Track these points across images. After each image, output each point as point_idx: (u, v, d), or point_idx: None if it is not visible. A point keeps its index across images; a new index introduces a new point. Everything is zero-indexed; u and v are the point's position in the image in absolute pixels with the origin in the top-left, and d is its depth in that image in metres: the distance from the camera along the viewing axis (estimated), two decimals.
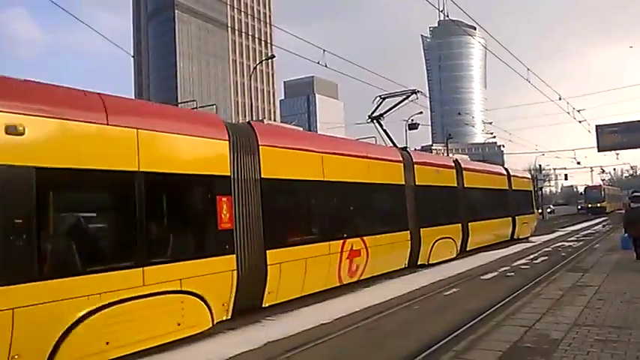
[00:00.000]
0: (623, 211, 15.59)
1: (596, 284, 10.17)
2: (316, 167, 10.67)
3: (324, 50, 14.21)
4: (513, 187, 23.55)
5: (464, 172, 18.14)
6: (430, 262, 14.91)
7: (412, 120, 39.34)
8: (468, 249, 17.82)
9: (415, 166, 14.87)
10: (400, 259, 13.65)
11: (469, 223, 17.73)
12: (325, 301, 10.15)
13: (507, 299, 9.55)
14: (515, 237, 23.11)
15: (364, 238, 11.74)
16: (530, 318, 7.52)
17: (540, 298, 9.21)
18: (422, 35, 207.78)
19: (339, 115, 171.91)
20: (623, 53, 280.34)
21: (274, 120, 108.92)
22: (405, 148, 15.61)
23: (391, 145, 15.99)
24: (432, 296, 10.58)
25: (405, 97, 16.88)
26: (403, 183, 14.14)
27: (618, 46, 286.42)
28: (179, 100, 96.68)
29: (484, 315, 8.30)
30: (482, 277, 13.03)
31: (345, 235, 11.15)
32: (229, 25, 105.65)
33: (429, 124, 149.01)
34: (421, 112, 40.28)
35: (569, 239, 24.96)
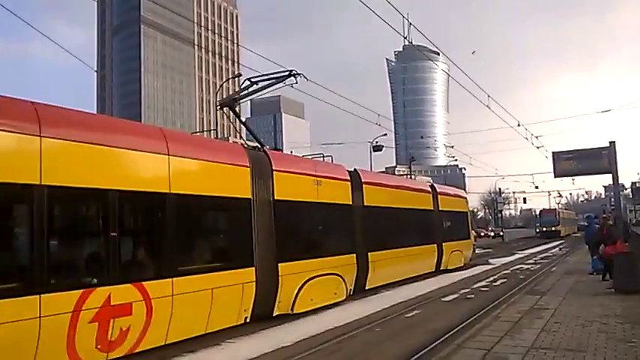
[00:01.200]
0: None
1: (553, 307, 10.39)
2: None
3: (289, 71, 14.28)
4: (441, 208, 19.77)
5: (364, 186, 14.12)
6: (295, 312, 10.75)
7: (377, 142, 40.00)
8: (368, 287, 13.96)
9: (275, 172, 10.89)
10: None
11: (369, 253, 13.92)
12: (283, 324, 10.06)
13: (468, 321, 9.67)
14: (442, 267, 19.39)
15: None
16: (490, 340, 7.61)
17: (499, 320, 9.34)
18: (387, 59, 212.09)
19: (305, 134, 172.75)
20: (578, 83, 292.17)
21: (240, 138, 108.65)
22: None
23: (257, 144, 12.49)
24: (394, 318, 10.62)
25: (278, 79, 12.80)
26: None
27: (573, 75, 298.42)
28: (142, 116, 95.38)
29: (445, 337, 8.37)
30: (443, 299, 13.16)
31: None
32: (196, 41, 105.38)
33: (394, 146, 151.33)
34: (385, 135, 41.09)
35: (527, 262, 25.54)
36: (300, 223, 11.77)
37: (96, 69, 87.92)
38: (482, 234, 65.83)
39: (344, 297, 12.37)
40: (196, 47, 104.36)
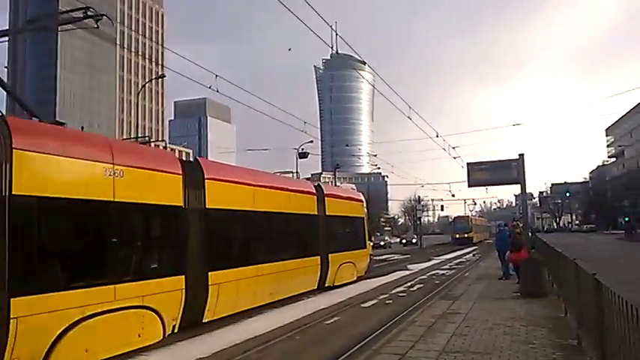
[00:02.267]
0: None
1: (464, 312, 10.93)
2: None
3: (216, 75, 14.12)
4: (328, 212, 16.62)
5: (206, 182, 10.61)
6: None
7: (302, 149, 40.29)
8: (209, 318, 10.44)
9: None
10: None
11: (210, 273, 10.37)
12: (201, 335, 9.90)
13: (385, 327, 9.98)
14: (328, 284, 16.37)
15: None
16: (405, 345, 7.88)
17: (415, 325, 9.69)
18: (315, 66, 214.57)
19: (231, 139, 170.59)
20: (493, 96, 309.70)
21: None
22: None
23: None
24: (314, 326, 10.72)
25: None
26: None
27: (489, 91, 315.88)
28: (58, 115, 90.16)
29: (362, 343, 8.58)
30: (362, 305, 13.46)
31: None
32: (118, 39, 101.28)
33: (320, 153, 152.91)
34: (312, 141, 41.46)
35: (442, 267, 26.66)
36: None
37: (6, 65, 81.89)
38: (405, 240, 67.99)
39: (159, 338, 8.87)
40: (118, 45, 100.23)
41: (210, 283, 10.36)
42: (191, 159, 16.27)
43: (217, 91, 14.24)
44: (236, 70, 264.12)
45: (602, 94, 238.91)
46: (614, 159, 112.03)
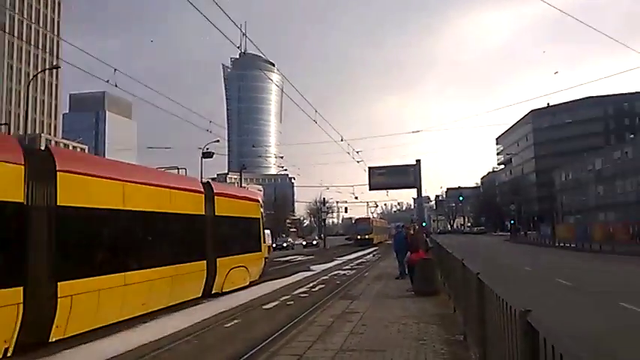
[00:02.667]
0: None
1: (362, 311, 11.24)
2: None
3: (115, 69, 13.42)
4: (218, 213, 15.19)
5: (59, 175, 9.15)
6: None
7: (207, 148, 39.43)
8: (61, 336, 8.97)
9: None
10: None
11: (60, 283, 8.87)
12: (96, 340, 9.33)
13: (285, 328, 10.00)
14: (216, 290, 15.08)
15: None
16: (303, 346, 7.94)
17: (314, 325, 9.80)
18: (223, 65, 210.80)
19: (131, 136, 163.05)
20: (396, 105, 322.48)
21: (55, 135, 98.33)
22: None
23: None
24: (213, 329, 10.50)
25: None
26: None
27: (392, 98, 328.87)
28: None
29: (262, 345, 8.53)
30: (263, 307, 13.40)
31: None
32: (8, 25, 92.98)
33: (226, 153, 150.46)
34: (218, 141, 40.70)
35: (344, 268, 27.28)
36: None
37: None
38: (305, 242, 68.45)
39: None
40: (7, 32, 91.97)
41: (59, 296, 8.78)
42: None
43: (116, 86, 13.54)
44: (143, 64, 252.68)
45: (494, 106, 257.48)
46: (502, 166, 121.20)
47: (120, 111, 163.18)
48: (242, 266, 16.79)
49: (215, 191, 15.59)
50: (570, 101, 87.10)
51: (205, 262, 14.37)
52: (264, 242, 19.88)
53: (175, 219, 13.08)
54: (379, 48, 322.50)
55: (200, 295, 14.20)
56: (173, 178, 14.48)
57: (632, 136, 65.02)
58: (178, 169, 15.92)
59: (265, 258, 20.05)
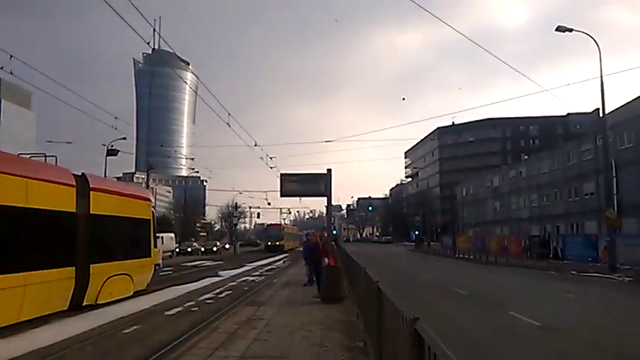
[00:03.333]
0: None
1: (268, 317, 11.26)
2: None
3: (10, 55, 12.50)
4: (94, 211, 13.39)
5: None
6: None
7: (112, 145, 37.64)
8: None
9: None
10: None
11: None
12: None
13: (187, 335, 9.76)
14: (89, 302, 13.12)
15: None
16: (204, 353, 7.81)
17: (217, 332, 9.68)
18: (134, 59, 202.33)
19: (30, 128, 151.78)
20: (314, 115, 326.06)
21: None
22: None
23: None
24: (111, 335, 10.05)
25: None
26: None
27: (311, 105, 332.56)
28: None
29: (161, 352, 8.29)
30: (166, 313, 13.00)
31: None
32: None
33: (134, 151, 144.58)
34: (124, 138, 38.97)
35: (253, 274, 27.12)
36: None
37: None
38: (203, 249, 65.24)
39: None
40: None
41: None
42: None
43: (11, 73, 12.62)
44: (49, 52, 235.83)
45: (404, 121, 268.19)
46: (410, 179, 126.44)
47: (18, 100, 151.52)
48: (124, 274, 14.86)
49: (92, 185, 13.47)
50: (473, 121, 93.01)
51: (74, 268, 12.39)
52: (156, 247, 17.76)
53: (31, 216, 10.91)
54: (299, 57, 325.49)
55: (66, 307, 12.14)
56: (33, 166, 11.72)
57: (526, 157, 70.28)
58: (46, 156, 12.98)
59: (156, 265, 17.78)
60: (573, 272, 26.02)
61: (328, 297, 13.69)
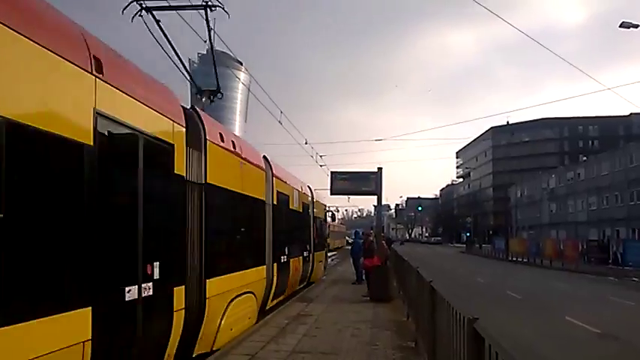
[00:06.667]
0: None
1: (317, 314, 11.32)
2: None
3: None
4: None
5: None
6: None
7: None
8: None
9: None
10: None
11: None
12: None
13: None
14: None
15: None
16: (255, 346, 7.94)
17: (268, 326, 9.80)
18: (189, 59, 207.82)
19: None
20: (364, 115, 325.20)
21: None
22: None
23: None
24: None
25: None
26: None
27: (361, 107, 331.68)
28: None
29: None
30: None
31: None
32: None
33: None
34: None
35: None
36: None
37: None
38: None
39: None
40: None
41: None
42: None
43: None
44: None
45: (455, 121, 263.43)
46: (461, 179, 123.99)
47: None
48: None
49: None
50: (528, 121, 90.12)
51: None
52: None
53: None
54: (348, 57, 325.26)
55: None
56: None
57: (584, 158, 67.63)
58: None
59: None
60: (635, 279, 24.81)
61: (377, 296, 13.63)
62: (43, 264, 3.71)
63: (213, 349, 7.51)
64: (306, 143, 25.60)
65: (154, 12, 8.83)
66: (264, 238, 10.65)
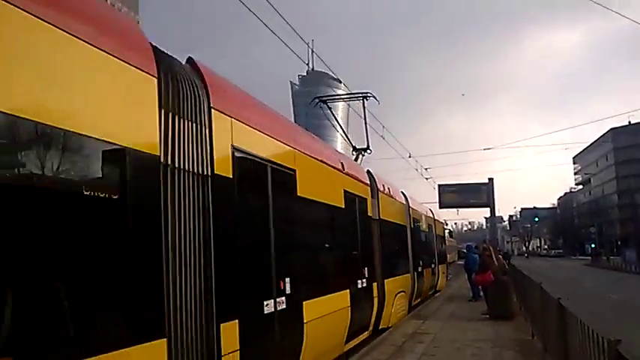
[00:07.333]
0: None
1: (434, 332, 11.08)
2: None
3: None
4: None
5: None
6: None
7: None
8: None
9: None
10: None
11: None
12: None
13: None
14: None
15: None
16: None
17: (386, 344, 9.79)
18: (291, 82, 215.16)
19: None
20: (468, 124, 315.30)
21: None
22: None
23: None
24: None
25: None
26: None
27: (464, 116, 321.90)
28: None
29: None
30: None
31: None
32: None
33: None
34: None
35: None
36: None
37: None
38: None
39: None
40: None
41: None
42: None
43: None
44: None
45: (568, 125, 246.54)
46: (581, 186, 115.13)
47: None
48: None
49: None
50: None
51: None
52: None
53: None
54: (448, 66, 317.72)
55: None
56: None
57: None
58: None
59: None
60: None
61: (497, 313, 13.04)
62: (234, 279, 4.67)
63: (389, 325, 11.44)
64: (409, 157, 25.42)
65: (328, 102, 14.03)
66: (408, 253, 14.32)
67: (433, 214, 21.05)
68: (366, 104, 13.87)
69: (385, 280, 10.92)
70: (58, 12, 3.01)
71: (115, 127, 3.34)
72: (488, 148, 43.18)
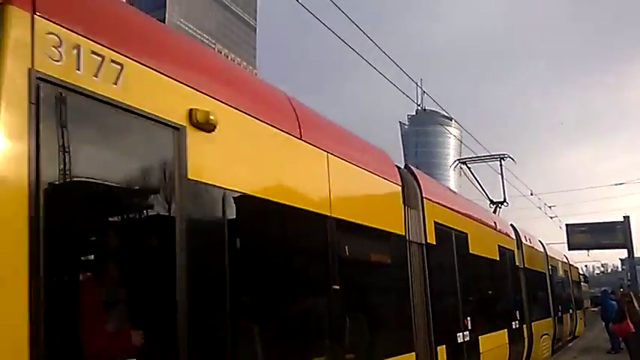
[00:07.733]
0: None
1: None
2: None
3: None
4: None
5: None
6: None
7: None
8: None
9: None
10: None
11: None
12: None
13: None
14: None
15: None
16: None
17: None
18: (400, 122, 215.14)
19: None
20: (593, 156, 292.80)
21: None
22: None
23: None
24: None
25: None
26: None
27: (585, 149, 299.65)
28: None
29: None
30: None
31: None
32: None
33: None
34: None
35: None
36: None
37: None
38: None
39: None
40: None
41: None
42: None
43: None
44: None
45: None
46: None
47: None
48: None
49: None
50: None
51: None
52: None
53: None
54: (562, 101, 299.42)
55: None
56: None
57: None
58: None
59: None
60: None
61: None
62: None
63: None
64: (531, 194, 24.00)
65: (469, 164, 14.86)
66: (548, 298, 14.93)
67: (568, 260, 21.30)
68: (503, 163, 14.91)
69: (532, 323, 11.88)
70: (367, 160, 5.59)
71: (388, 219, 5.74)
72: (620, 183, 39.65)
